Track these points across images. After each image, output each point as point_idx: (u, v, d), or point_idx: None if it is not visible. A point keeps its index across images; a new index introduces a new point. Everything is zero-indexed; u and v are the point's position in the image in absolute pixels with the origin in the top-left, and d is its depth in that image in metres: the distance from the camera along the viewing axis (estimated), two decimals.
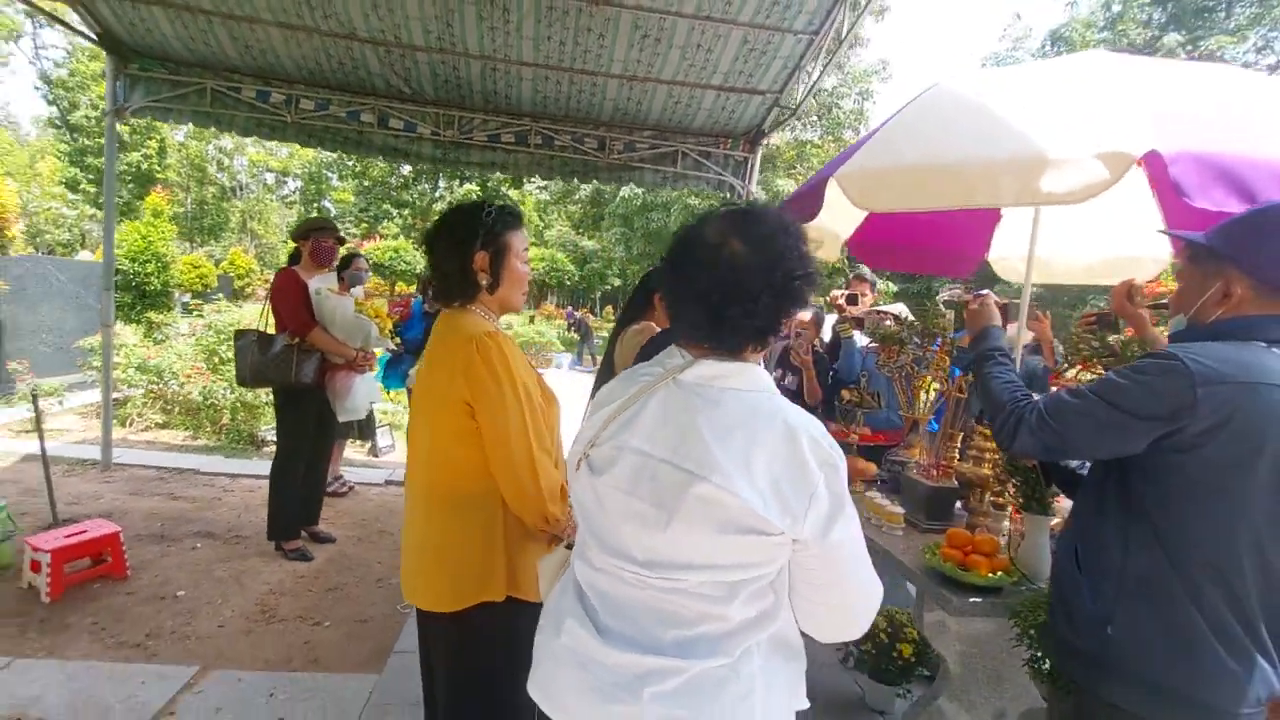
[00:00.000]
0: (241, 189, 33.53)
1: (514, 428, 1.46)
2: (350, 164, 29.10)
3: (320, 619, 2.98)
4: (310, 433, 3.60)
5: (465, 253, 1.52)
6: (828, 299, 5.08)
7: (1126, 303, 1.98)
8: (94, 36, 4.39)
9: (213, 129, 5.14)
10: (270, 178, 35.61)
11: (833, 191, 2.32)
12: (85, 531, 3.12)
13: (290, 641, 2.79)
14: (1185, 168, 1.69)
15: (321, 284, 3.54)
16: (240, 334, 3.43)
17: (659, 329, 2.70)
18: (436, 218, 1.56)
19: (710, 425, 0.95)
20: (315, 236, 3.57)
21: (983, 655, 2.29)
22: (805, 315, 4.20)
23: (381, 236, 23.70)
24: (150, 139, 24.40)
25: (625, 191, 18.94)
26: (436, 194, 30.12)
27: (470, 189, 28.08)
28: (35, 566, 2.94)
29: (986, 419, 1.68)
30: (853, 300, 4.32)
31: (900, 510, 2.61)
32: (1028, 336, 3.45)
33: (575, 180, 5.45)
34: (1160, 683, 1.14)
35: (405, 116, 4.90)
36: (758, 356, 1.06)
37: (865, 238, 3.96)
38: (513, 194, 28.47)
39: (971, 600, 1.97)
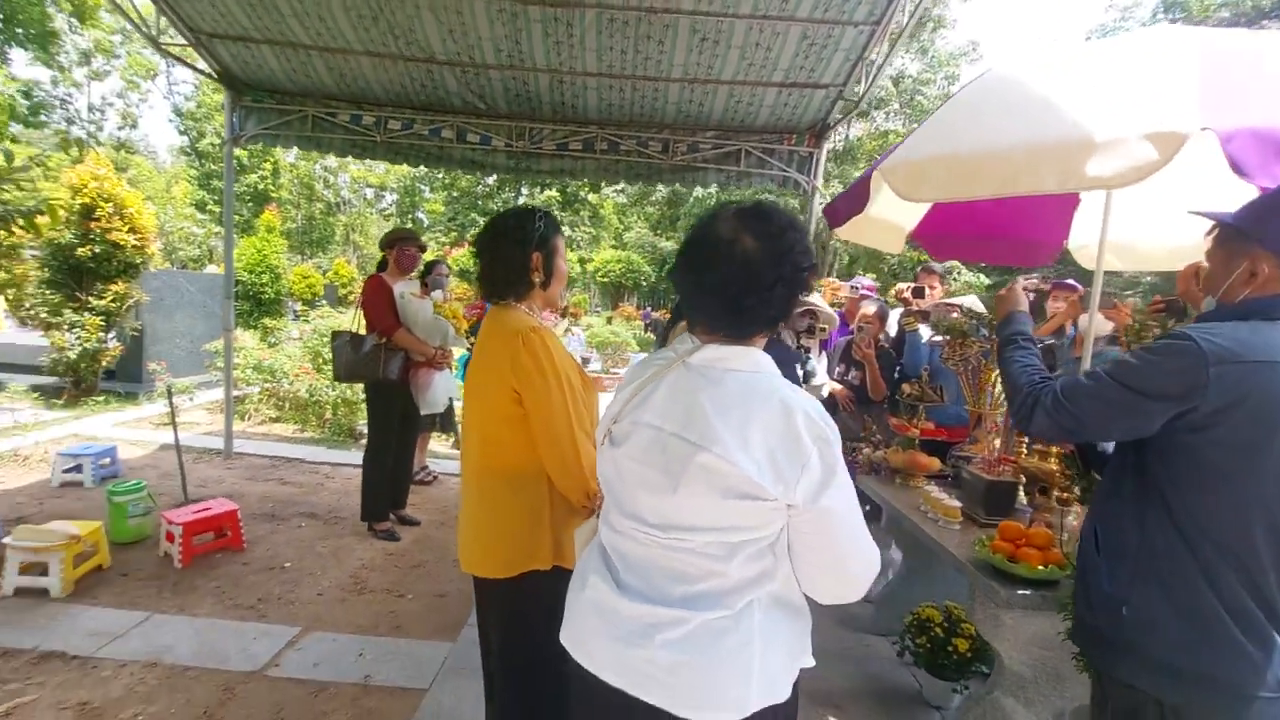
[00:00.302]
0: (344, 204, 36.20)
1: (557, 412, 1.61)
2: (440, 176, 30.77)
3: (404, 592, 3.28)
4: (396, 425, 3.94)
5: (524, 253, 1.69)
6: (893, 292, 4.96)
7: (1193, 286, 1.89)
8: (215, 74, 4.98)
9: (314, 151, 5.66)
10: (370, 192, 38.15)
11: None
12: (210, 509, 3.58)
13: (377, 610, 3.09)
14: (1242, 144, 1.61)
15: (405, 289, 3.87)
16: (336, 335, 3.82)
17: None
18: (487, 222, 1.73)
19: (713, 402, 1.05)
20: (400, 246, 3.91)
21: (1042, 653, 2.23)
22: (869, 309, 4.15)
23: (469, 244, 24.92)
24: (265, 162, 26.80)
25: (699, 191, 18.95)
26: (519, 201, 31.42)
27: (551, 195, 29.02)
28: (170, 537, 3.41)
29: (1006, 402, 1.67)
30: (918, 293, 4.22)
31: (957, 504, 2.58)
32: (1106, 327, 3.27)
33: (640, 183, 5.57)
34: (1175, 664, 1.13)
35: (481, 130, 5.23)
36: (762, 340, 1.16)
37: (930, 229, 3.87)
38: (592, 198, 29.19)
39: (1020, 593, 1.95)
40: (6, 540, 3.04)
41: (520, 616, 1.72)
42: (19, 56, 19.37)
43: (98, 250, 6.28)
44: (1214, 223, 1.29)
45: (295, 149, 5.45)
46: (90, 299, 6.35)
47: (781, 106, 4.94)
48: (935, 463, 3.17)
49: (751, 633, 1.06)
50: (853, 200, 2.84)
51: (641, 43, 4.31)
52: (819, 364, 4.00)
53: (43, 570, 2.99)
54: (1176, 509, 1.15)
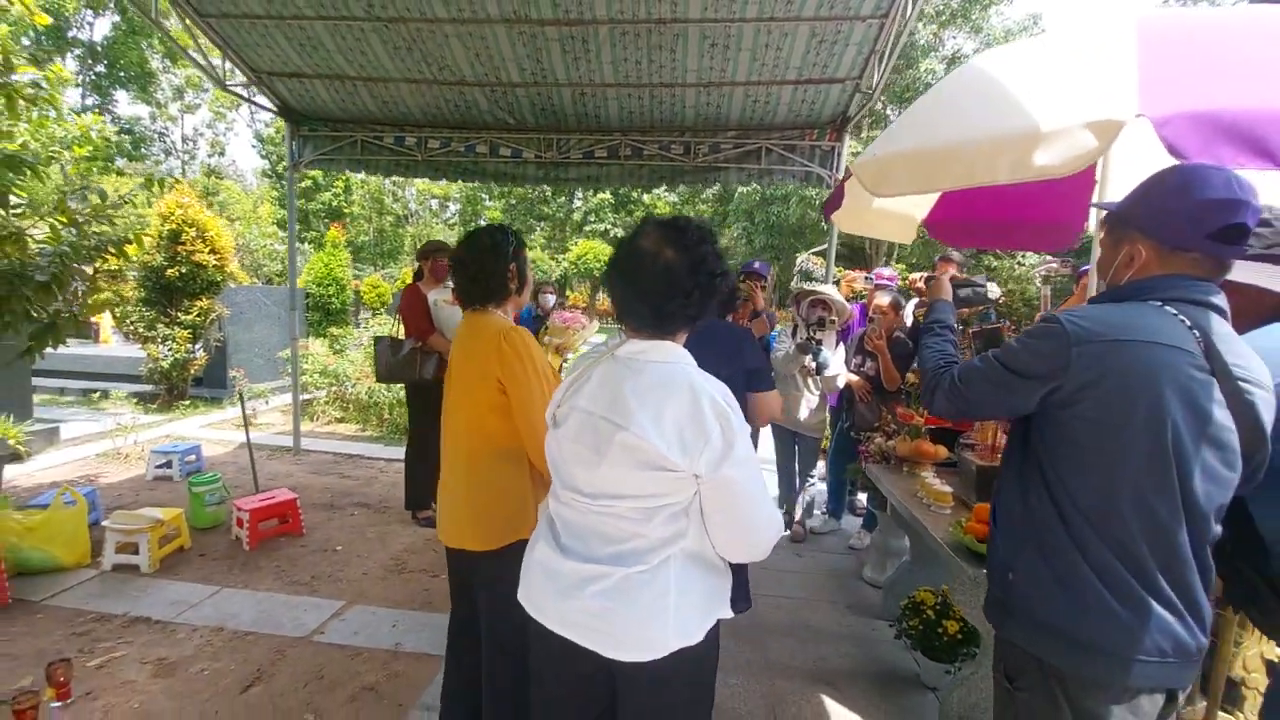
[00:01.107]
0: (412, 216, 37.97)
1: (536, 401, 1.83)
2: (497, 186, 31.82)
3: (438, 572, 3.59)
4: (434, 422, 4.26)
5: (504, 265, 1.94)
6: (906, 282, 4.93)
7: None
8: (275, 109, 5.51)
9: (363, 172, 6.14)
10: (434, 204, 39.80)
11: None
12: (273, 498, 4.02)
13: (413, 588, 3.42)
14: (1178, 128, 1.65)
15: (438, 295, 4.20)
16: (377, 340, 4.19)
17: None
18: (466, 240, 1.98)
19: (633, 389, 1.25)
20: (434, 257, 4.24)
21: None
22: (883, 300, 4.18)
23: (541, 249, 25.70)
24: (338, 181, 28.51)
25: (743, 188, 18.91)
26: (573, 206, 32.09)
27: (604, 198, 29.50)
28: (240, 523, 3.85)
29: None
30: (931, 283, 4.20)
31: (949, 489, 2.64)
32: None
33: (664, 185, 5.75)
34: (1051, 623, 1.22)
35: (512, 144, 5.54)
36: (683, 336, 1.34)
37: (943, 216, 3.87)
38: (645, 199, 29.48)
39: (984, 570, 2.02)
40: (105, 524, 3.54)
41: (506, 583, 1.95)
42: (122, 96, 21.48)
43: (184, 270, 7.03)
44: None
45: (348, 171, 5.87)
46: (179, 314, 7.12)
47: (799, 103, 5.01)
48: (941, 451, 3.20)
49: (668, 584, 1.24)
50: (836, 195, 2.93)
51: (654, 52, 4.50)
52: (833, 355, 4.05)
53: (134, 549, 3.47)
54: (1052, 481, 1.23)
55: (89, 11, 17.91)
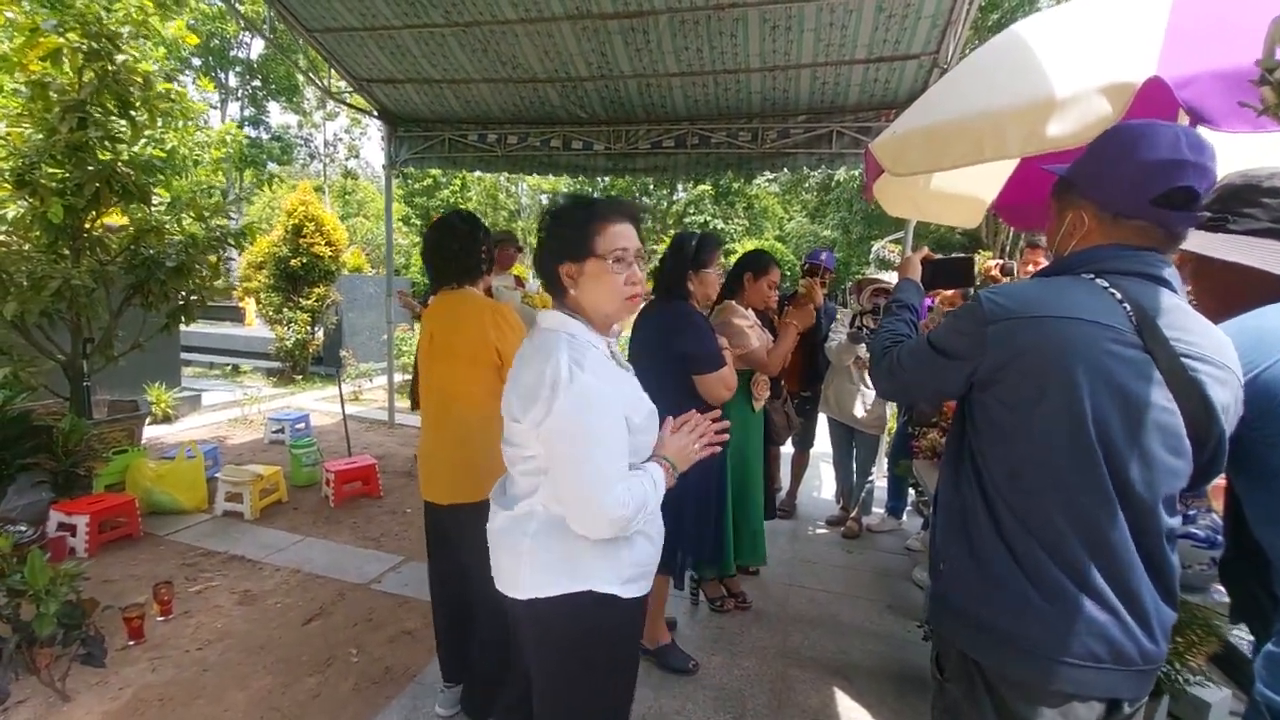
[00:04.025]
0: (523, 210, 39.82)
1: None
2: (603, 180, 32.57)
3: None
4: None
5: (479, 245, 2.11)
6: (980, 269, 4.57)
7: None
8: (375, 112, 6.05)
9: (451, 169, 6.59)
10: (545, 199, 41.39)
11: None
12: (356, 463, 4.48)
13: None
14: (1201, 90, 1.50)
15: (500, 282, 4.46)
16: None
17: (743, 308, 2.97)
18: (439, 225, 2.14)
19: (524, 351, 1.39)
20: (500, 246, 4.52)
21: None
22: (948, 291, 3.94)
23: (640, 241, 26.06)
24: (456, 179, 30.45)
25: (840, 175, 18.11)
26: (675, 197, 32.18)
27: (704, 188, 29.33)
28: (327, 482, 4.34)
29: None
30: (1006, 271, 3.90)
31: None
32: None
33: (729, 174, 5.71)
34: (974, 616, 1.16)
35: (584, 138, 5.74)
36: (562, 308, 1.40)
37: (1013, 199, 3.61)
38: (747, 190, 28.98)
39: None
40: (218, 476, 4.13)
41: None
42: (274, 107, 24.22)
43: (305, 261, 7.91)
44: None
45: (438, 169, 6.33)
46: (300, 300, 8.03)
47: (871, 83, 4.80)
48: None
49: (525, 534, 1.34)
50: (868, 172, 2.81)
51: (715, 39, 4.49)
52: None
53: (240, 499, 4.02)
54: (980, 466, 1.17)
55: (246, 34, 20.48)
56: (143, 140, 4.28)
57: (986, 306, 1.14)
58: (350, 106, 6.08)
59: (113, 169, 3.82)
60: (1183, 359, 1.05)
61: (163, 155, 4.49)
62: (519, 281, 4.78)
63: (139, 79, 4.03)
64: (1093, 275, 1.13)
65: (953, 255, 1.96)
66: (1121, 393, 1.05)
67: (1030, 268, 4.03)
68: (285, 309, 8.06)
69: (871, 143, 2.36)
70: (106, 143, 3.89)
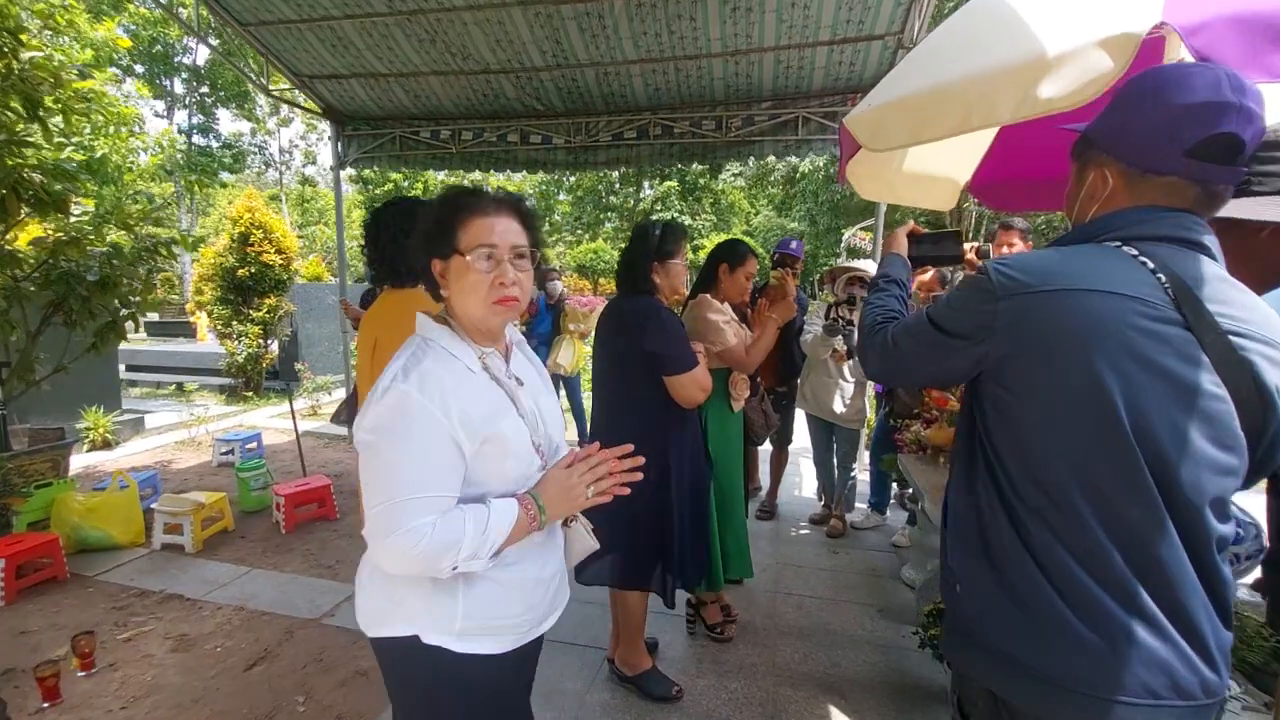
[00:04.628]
0: None
1: None
2: (568, 179, 32.14)
3: None
4: None
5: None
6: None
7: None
8: (320, 111, 5.72)
9: (404, 168, 6.29)
10: None
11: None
12: (309, 484, 4.17)
13: None
14: (1213, 37, 1.33)
15: None
16: None
17: (720, 302, 2.76)
18: (375, 217, 1.91)
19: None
20: None
21: None
22: (925, 274, 3.81)
23: (604, 240, 25.89)
24: (419, 180, 29.79)
25: (805, 166, 18.14)
26: (641, 195, 31.94)
27: (670, 185, 29.16)
28: (278, 507, 4.03)
29: None
30: (983, 254, 3.77)
31: None
32: None
33: (695, 164, 5.51)
34: (1004, 650, 0.97)
35: (542, 131, 5.49)
36: (431, 316, 1.22)
37: (990, 177, 3.46)
38: (714, 185, 28.87)
39: None
40: (154, 507, 3.79)
41: None
42: (224, 115, 23.37)
43: (253, 270, 7.50)
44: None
45: (389, 168, 6.03)
46: (251, 312, 7.61)
47: (836, 66, 4.65)
48: None
49: (365, 565, 1.22)
50: (842, 149, 2.64)
51: (674, 22, 4.29)
52: None
53: (179, 530, 3.70)
54: (996, 471, 0.99)
55: (191, 39, 19.64)
56: (70, 147, 3.92)
57: (996, 279, 0.96)
58: (292, 104, 5.74)
59: (18, 175, 3.46)
60: (1230, 336, 0.88)
61: (80, 159, 4.13)
62: None
63: (48, 77, 3.68)
64: (1119, 242, 0.95)
65: (940, 229, 1.79)
66: (1162, 377, 0.88)
67: (1005, 249, 3.92)
68: (235, 322, 7.63)
69: (845, 117, 2.18)
70: (12, 147, 3.53)
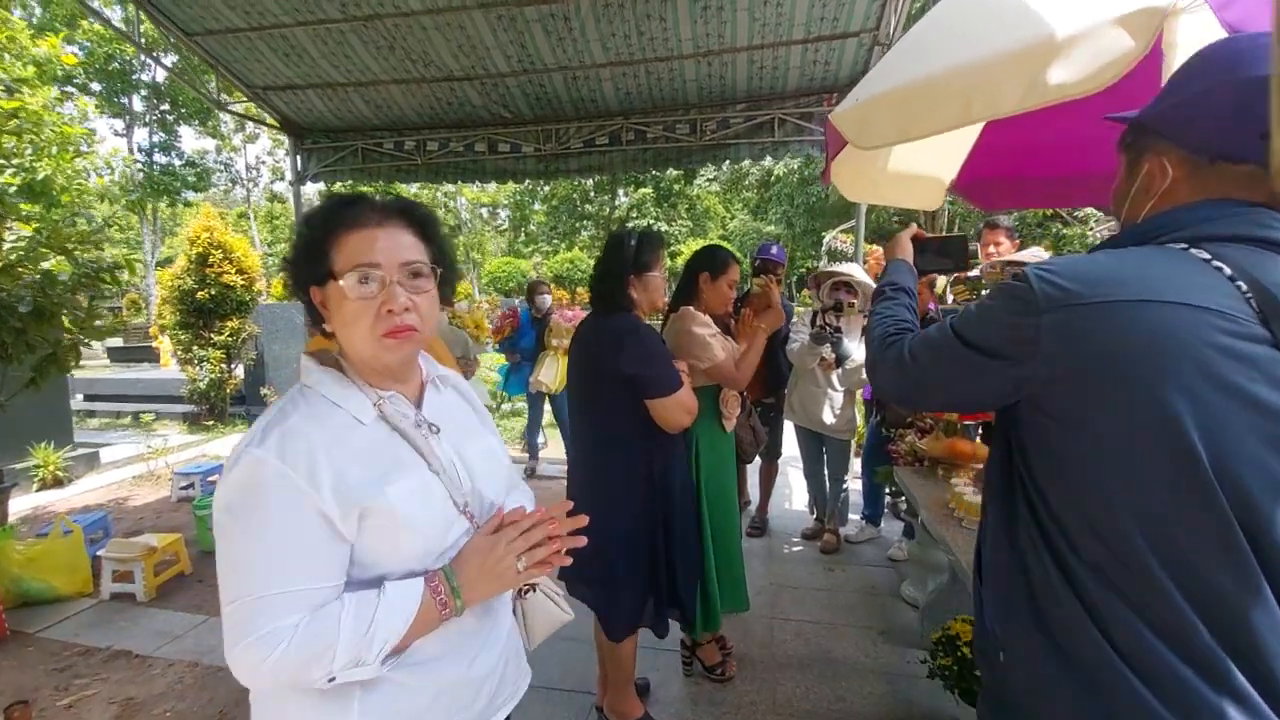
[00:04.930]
0: (464, 225, 38.74)
1: None
2: (543, 188, 31.92)
3: None
4: None
5: None
6: None
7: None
8: (278, 124, 5.47)
9: (367, 181, 6.06)
10: (485, 212, 40.45)
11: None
12: None
13: None
14: (1246, 11, 1.19)
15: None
16: None
17: (703, 315, 2.58)
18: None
19: None
20: None
21: None
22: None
23: (580, 249, 25.73)
24: (387, 192, 29.35)
25: (779, 169, 18.15)
26: (616, 203, 31.85)
27: (645, 192, 29.11)
28: None
29: None
30: (971, 257, 3.67)
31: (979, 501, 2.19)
32: None
33: (669, 169, 5.36)
34: None
35: (511, 140, 5.31)
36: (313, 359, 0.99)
37: (977, 175, 3.34)
38: (689, 191, 28.88)
39: None
40: (101, 553, 3.51)
41: None
42: (186, 132, 22.79)
43: (214, 292, 7.19)
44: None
45: (351, 182, 5.79)
46: (212, 335, 7.29)
47: (810, 65, 4.54)
48: (982, 451, 2.73)
49: None
50: (828, 148, 2.50)
51: (643, 23, 4.14)
52: (857, 344, 3.59)
53: (129, 578, 3.42)
54: (1043, 517, 0.83)
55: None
56: (9, 170, 3.66)
57: (1039, 288, 0.79)
58: (249, 119, 5.48)
59: None
60: None
61: (12, 182, 3.85)
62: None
63: None
64: (1184, 244, 0.79)
65: (945, 234, 1.63)
66: (1248, 406, 0.72)
67: (991, 249, 3.82)
68: (196, 346, 7.30)
69: (832, 113, 2.03)
70: None
